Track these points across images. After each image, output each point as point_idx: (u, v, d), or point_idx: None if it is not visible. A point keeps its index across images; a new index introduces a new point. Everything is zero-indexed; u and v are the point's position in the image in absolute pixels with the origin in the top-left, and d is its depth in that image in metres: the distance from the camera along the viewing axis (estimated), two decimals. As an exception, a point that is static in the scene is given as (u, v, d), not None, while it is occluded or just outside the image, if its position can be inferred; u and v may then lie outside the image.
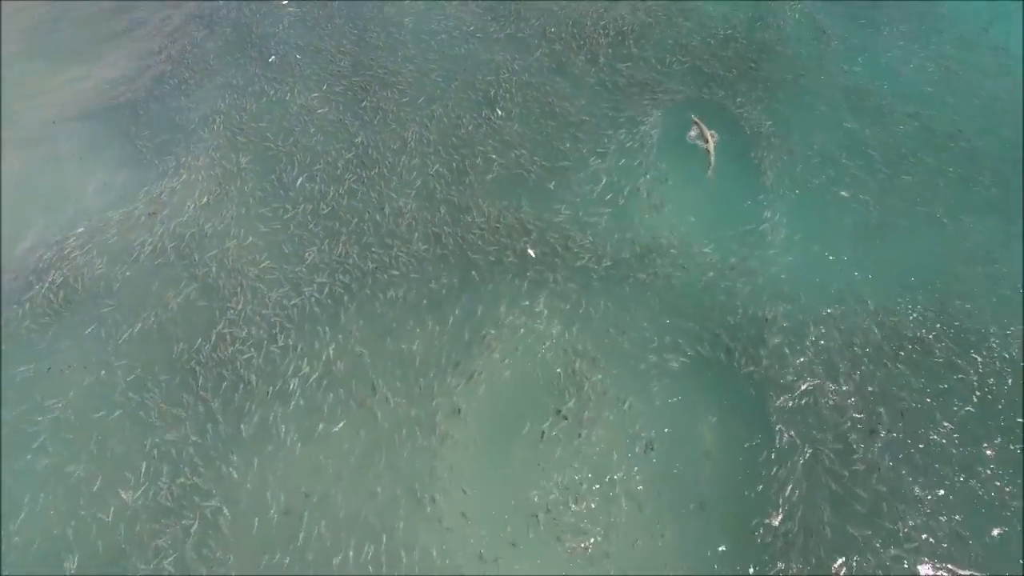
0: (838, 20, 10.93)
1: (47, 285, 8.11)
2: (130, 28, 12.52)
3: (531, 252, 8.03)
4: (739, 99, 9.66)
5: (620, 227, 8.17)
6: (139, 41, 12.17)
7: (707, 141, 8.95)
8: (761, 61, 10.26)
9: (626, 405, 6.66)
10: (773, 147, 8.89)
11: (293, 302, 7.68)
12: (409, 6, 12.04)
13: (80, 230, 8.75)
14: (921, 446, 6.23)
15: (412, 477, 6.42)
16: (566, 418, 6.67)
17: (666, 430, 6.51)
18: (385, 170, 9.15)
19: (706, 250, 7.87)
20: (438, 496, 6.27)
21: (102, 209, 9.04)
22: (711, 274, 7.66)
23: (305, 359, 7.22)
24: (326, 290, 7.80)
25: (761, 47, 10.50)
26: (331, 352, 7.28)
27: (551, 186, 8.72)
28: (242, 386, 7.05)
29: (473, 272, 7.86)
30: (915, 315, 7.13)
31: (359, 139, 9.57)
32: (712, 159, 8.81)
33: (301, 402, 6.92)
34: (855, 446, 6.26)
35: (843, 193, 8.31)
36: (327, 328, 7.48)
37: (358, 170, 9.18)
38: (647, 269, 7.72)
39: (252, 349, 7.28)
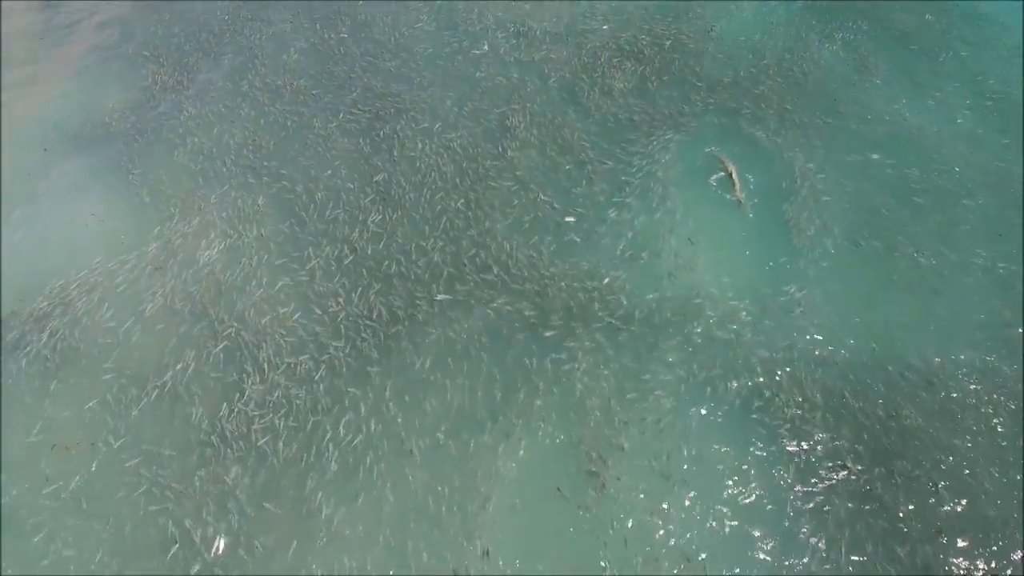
0: (883, 49, 10.51)
1: (44, 340, 7.49)
2: (123, 51, 11.70)
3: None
4: (777, 139, 9.28)
5: (645, 285, 7.74)
6: (133, 65, 11.39)
7: (730, 175, 8.63)
8: (796, 98, 9.89)
9: (672, 484, 6.28)
10: (811, 195, 8.51)
11: (320, 373, 7.14)
12: (423, 28, 11.53)
13: (82, 275, 8.10)
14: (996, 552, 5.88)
15: (447, 547, 6.02)
16: (605, 486, 6.30)
17: (713, 524, 6.09)
18: (407, 204, 8.68)
19: (742, 315, 7.46)
20: (473, 572, 5.88)
21: (104, 252, 8.40)
22: (747, 335, 7.29)
23: (340, 423, 6.75)
24: (354, 346, 7.33)
25: (795, 81, 10.13)
26: (362, 412, 6.81)
27: (575, 237, 8.24)
28: (270, 459, 6.53)
29: (500, 324, 7.43)
30: (975, 386, 6.81)
31: (380, 177, 9.05)
32: (739, 192, 8.49)
33: (334, 466, 6.47)
34: (918, 546, 5.88)
35: (894, 250, 7.94)
36: (355, 389, 7.00)
37: (380, 207, 8.67)
38: (679, 331, 7.33)
39: (282, 418, 6.75)
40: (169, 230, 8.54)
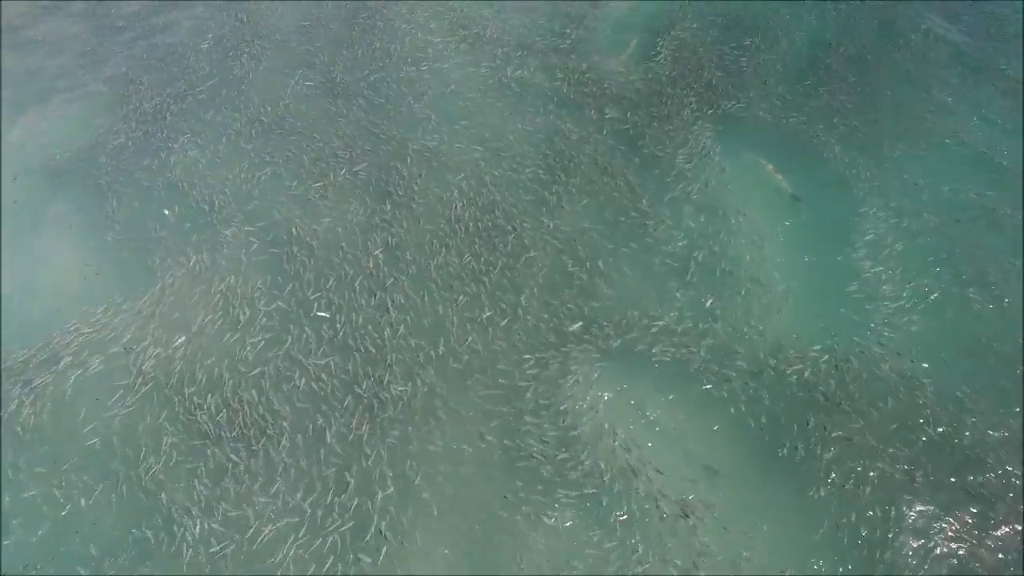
0: (976, 35, 9.28)
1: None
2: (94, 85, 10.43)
3: None
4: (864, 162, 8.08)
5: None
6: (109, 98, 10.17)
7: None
8: (891, 101, 8.75)
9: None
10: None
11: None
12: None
13: (47, 347, 6.97)
14: None
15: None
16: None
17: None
18: (413, 272, 7.33)
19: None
20: None
21: (82, 313, 7.27)
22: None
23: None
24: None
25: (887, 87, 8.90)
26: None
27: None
28: None
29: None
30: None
31: (377, 252, 7.61)
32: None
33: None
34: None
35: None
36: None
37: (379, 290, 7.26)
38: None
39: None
40: (145, 297, 7.37)
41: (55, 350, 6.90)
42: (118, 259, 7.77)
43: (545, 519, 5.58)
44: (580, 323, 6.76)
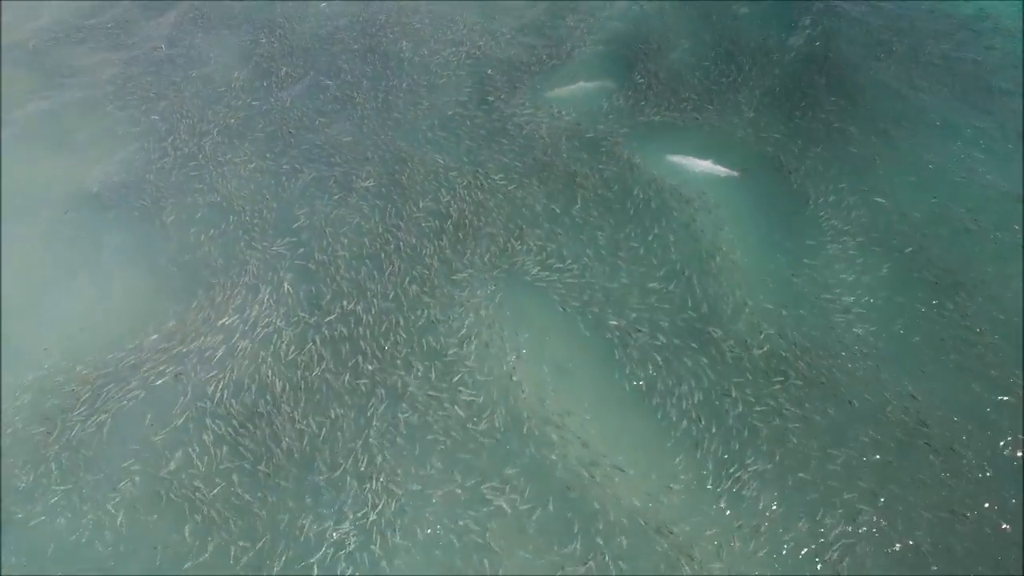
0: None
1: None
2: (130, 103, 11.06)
3: None
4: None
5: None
6: (144, 123, 10.72)
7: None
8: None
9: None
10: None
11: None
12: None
13: (94, 378, 7.28)
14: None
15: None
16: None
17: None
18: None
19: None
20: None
21: (116, 351, 7.58)
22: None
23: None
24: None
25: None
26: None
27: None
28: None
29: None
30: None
31: (390, 269, 8.04)
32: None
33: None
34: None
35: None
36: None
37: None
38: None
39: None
40: (192, 318, 7.80)
41: (112, 370, 7.29)
42: (168, 281, 8.21)
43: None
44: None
